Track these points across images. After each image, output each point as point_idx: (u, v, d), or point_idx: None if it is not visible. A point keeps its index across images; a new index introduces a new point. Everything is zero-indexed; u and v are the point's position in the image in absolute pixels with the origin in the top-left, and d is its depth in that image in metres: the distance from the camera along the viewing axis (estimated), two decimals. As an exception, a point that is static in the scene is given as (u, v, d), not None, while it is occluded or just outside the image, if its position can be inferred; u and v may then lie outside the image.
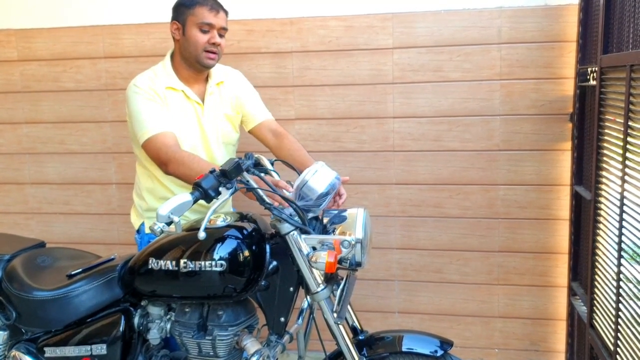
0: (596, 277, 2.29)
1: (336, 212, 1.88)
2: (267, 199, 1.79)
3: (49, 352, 1.99)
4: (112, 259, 2.08)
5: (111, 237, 3.23)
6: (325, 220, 1.87)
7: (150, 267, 1.86)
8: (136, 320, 2.00)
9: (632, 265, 1.89)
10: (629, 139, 1.87)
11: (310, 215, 1.84)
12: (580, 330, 2.59)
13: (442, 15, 2.78)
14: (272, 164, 2.06)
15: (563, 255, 2.82)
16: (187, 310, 1.94)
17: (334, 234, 1.83)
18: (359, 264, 1.81)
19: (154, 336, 1.99)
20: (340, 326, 1.81)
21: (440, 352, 1.87)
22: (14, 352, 2.01)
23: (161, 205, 1.54)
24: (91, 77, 3.13)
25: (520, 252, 2.87)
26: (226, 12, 2.26)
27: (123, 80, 3.09)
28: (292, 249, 1.79)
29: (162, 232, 1.56)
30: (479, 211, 2.88)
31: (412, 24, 2.80)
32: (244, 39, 2.94)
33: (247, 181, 1.76)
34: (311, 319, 2.11)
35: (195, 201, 1.61)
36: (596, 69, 2.29)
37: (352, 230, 1.81)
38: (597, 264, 2.28)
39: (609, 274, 2.12)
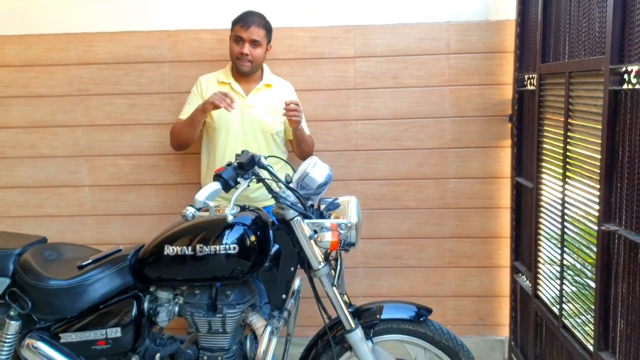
0: (539, 254, 2.68)
1: (330, 200, 2.15)
2: (274, 188, 2.04)
3: (65, 337, 2.13)
4: (119, 251, 2.24)
5: (84, 239, 3.32)
6: (322, 207, 2.14)
7: (165, 253, 2.06)
8: (146, 305, 2.18)
9: (574, 238, 2.27)
10: (569, 133, 2.26)
11: (309, 203, 2.11)
12: (523, 302, 2.98)
13: (398, 29, 3.12)
14: (265, 159, 2.30)
15: (505, 239, 3.22)
16: (197, 292, 2.15)
17: (328, 219, 2.11)
18: (352, 244, 2.09)
19: (162, 319, 2.19)
20: (338, 296, 2.08)
21: (421, 318, 2.17)
22: (27, 341, 2.13)
23: (198, 192, 1.77)
24: (63, 83, 3.22)
25: (468, 237, 3.25)
26: (264, 28, 2.78)
27: (95, 86, 3.22)
28: (296, 232, 2.05)
29: (193, 216, 1.79)
30: (432, 202, 3.24)
31: (371, 35, 3.12)
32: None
33: (258, 173, 2.01)
34: (299, 298, 2.38)
35: (222, 188, 1.84)
36: (534, 75, 2.69)
37: (346, 215, 2.10)
38: (540, 242, 2.67)
39: (552, 250, 2.50)
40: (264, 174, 2.11)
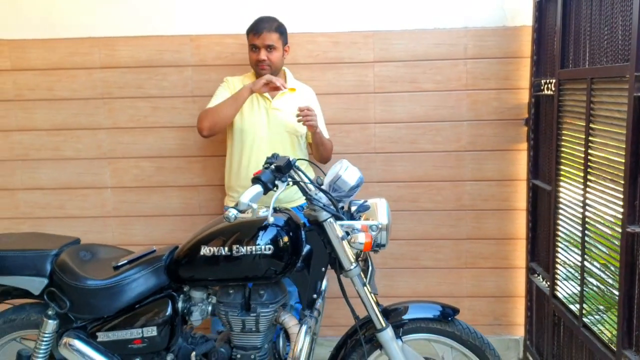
0: (557, 255, 2.74)
1: (360, 202, 2.21)
2: (308, 191, 2.10)
3: (102, 336, 2.19)
4: (153, 252, 2.29)
5: (105, 240, 3.37)
6: (352, 209, 2.20)
7: (202, 253, 2.11)
8: (180, 304, 2.23)
9: (595, 239, 2.34)
10: (590, 137, 2.32)
11: (340, 205, 2.16)
12: (540, 302, 3.04)
13: (416, 34, 3.18)
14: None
15: (521, 241, 3.28)
16: (231, 292, 2.20)
17: (360, 221, 2.16)
18: (382, 245, 2.15)
19: (196, 318, 2.24)
20: (370, 296, 2.15)
21: (449, 317, 2.24)
22: (65, 339, 2.18)
23: (242, 194, 1.83)
24: (86, 87, 3.28)
25: (484, 239, 3.32)
26: (276, 31, 2.83)
27: (119, 90, 3.27)
28: (329, 233, 2.10)
29: (235, 218, 1.85)
30: (449, 204, 3.30)
31: (390, 41, 3.19)
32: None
33: (293, 176, 2.07)
34: (324, 298, 2.44)
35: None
36: (551, 80, 2.76)
37: (376, 217, 2.15)
38: (557, 243, 2.73)
39: (571, 250, 2.57)
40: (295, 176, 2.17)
